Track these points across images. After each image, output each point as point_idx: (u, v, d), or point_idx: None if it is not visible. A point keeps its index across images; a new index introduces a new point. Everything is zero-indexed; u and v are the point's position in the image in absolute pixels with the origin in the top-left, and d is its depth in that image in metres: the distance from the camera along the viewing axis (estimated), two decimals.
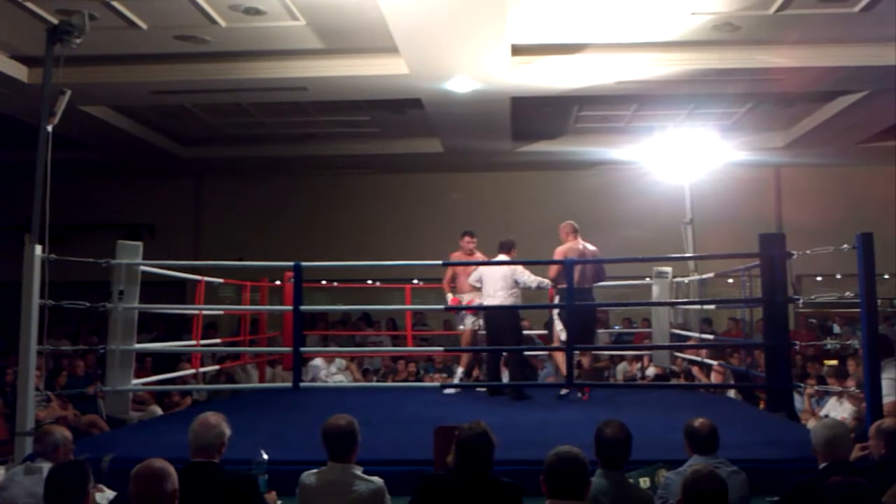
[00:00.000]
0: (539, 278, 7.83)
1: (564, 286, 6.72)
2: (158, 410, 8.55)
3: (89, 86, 8.75)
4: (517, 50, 8.35)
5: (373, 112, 11.29)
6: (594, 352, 8.61)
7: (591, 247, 7.76)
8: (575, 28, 8.05)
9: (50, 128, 5.32)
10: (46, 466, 4.08)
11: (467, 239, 8.44)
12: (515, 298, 7.83)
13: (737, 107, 11.07)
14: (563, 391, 7.47)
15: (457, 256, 8.44)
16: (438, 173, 14.11)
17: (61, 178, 5.35)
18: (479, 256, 8.36)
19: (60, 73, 5.34)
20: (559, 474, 3.16)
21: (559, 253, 7.53)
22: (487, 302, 7.80)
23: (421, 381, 9.94)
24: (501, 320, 7.78)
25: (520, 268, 7.87)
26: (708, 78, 8.98)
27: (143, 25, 7.94)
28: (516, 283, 7.83)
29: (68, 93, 5.38)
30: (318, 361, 9.67)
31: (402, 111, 11.06)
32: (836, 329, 13.54)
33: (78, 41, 5.34)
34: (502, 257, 7.88)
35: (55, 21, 5.90)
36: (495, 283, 7.85)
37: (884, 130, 11.36)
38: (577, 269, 7.16)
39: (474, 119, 10.48)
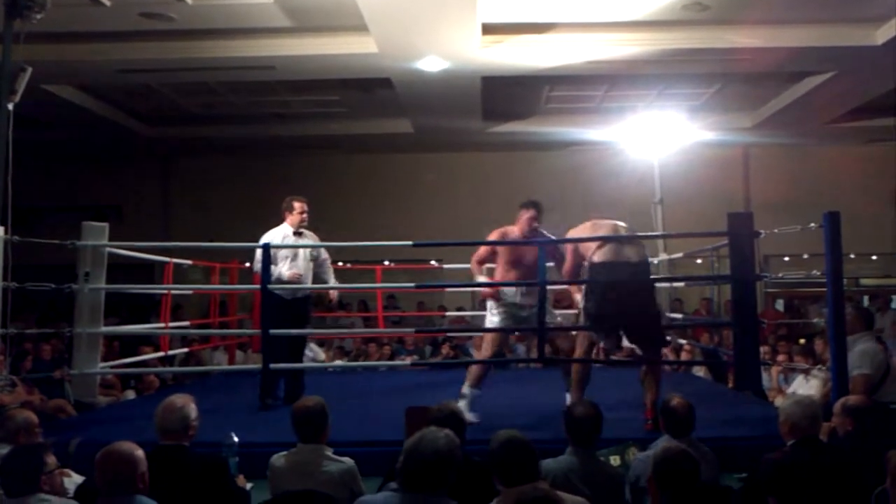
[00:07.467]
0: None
1: None
2: (132, 395, 8.44)
3: (52, 64, 8.54)
4: (487, 29, 8.30)
5: (342, 92, 11.19)
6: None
7: None
8: (545, 7, 8.02)
9: (10, 105, 5.19)
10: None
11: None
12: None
13: (705, 87, 11.11)
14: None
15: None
16: (410, 153, 14.02)
17: (24, 159, 5.23)
18: None
19: (21, 50, 5.20)
20: (509, 463, 3.03)
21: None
22: None
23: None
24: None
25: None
26: (677, 58, 8.99)
27: (107, 2, 7.76)
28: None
29: (29, 70, 5.23)
30: None
31: (371, 91, 10.97)
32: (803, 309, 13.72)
33: (38, 16, 5.19)
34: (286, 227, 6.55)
35: None
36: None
37: (850, 111, 11.47)
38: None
39: (445, 99, 10.42)
